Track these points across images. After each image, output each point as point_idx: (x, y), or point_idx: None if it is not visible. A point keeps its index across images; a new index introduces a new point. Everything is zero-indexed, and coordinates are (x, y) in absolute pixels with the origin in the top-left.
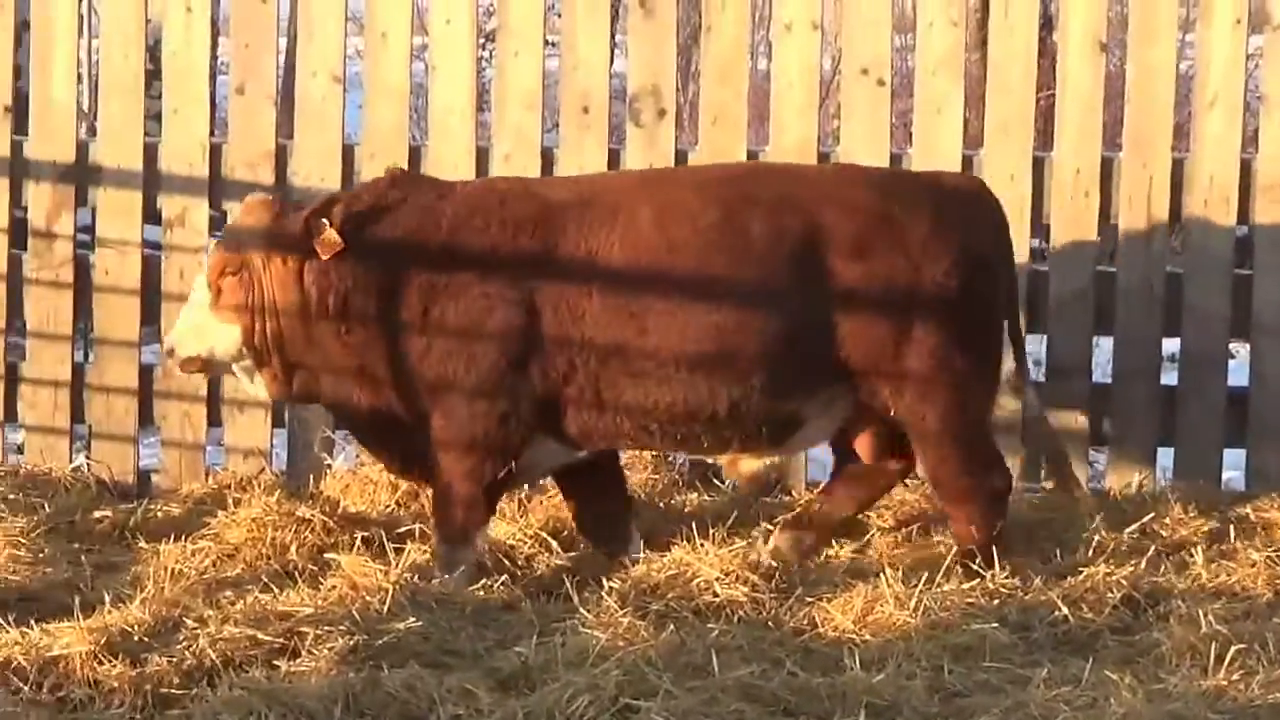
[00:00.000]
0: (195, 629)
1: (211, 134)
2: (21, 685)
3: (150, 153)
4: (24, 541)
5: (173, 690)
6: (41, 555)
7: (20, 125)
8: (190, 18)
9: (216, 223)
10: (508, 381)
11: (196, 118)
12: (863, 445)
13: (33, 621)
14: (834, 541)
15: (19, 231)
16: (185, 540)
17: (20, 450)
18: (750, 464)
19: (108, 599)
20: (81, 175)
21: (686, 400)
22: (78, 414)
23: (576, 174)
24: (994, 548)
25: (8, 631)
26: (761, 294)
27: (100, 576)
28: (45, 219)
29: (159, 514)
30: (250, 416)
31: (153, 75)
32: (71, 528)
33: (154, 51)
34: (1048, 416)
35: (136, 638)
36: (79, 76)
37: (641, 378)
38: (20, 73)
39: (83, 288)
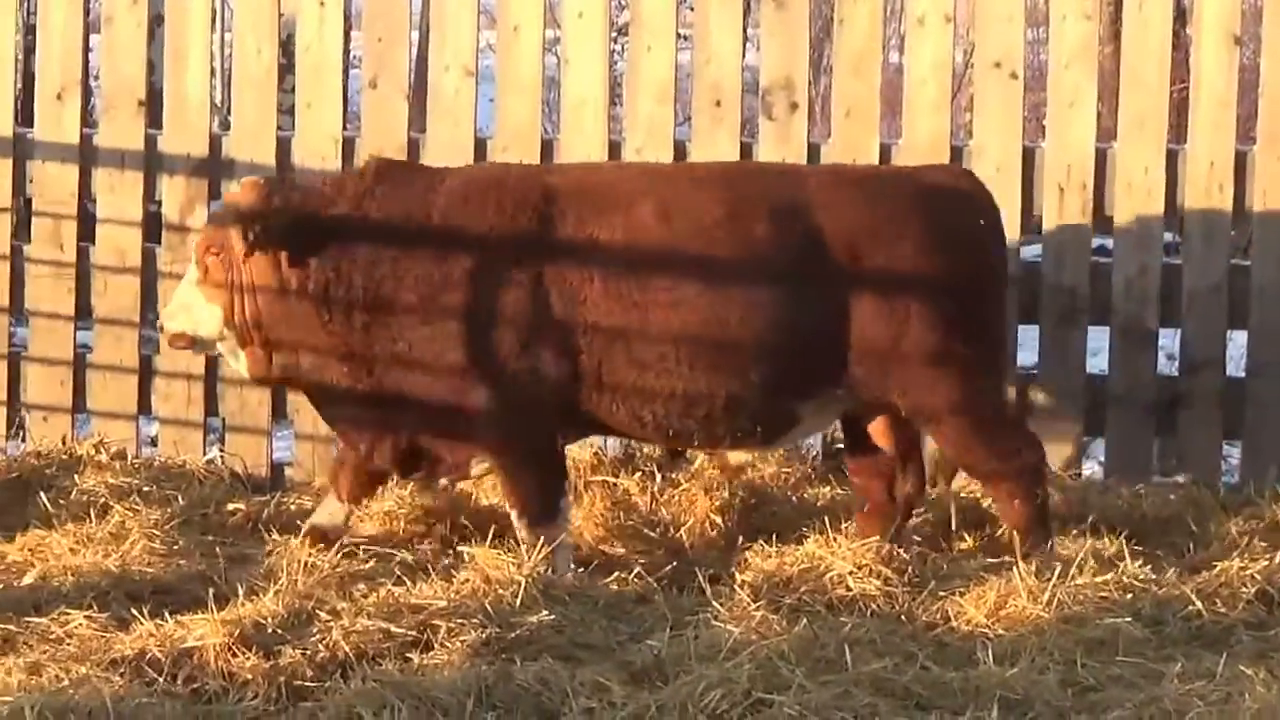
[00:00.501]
0: (328, 621)
1: (344, 128)
2: (156, 677)
3: (283, 147)
4: (158, 534)
5: (306, 682)
6: (176, 547)
7: (154, 120)
8: (323, 11)
9: None
10: (516, 365)
11: (329, 112)
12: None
13: (167, 613)
14: (964, 535)
15: (153, 225)
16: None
17: (154, 442)
18: (739, 456)
19: (241, 591)
20: (215, 169)
21: (684, 393)
22: (212, 407)
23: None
24: (1046, 520)
25: (143, 623)
26: (759, 293)
27: (234, 569)
28: (179, 213)
29: (292, 506)
30: None
31: (285, 69)
32: (205, 520)
33: (286, 46)
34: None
35: (270, 630)
36: (212, 71)
37: (640, 368)
38: (154, 67)
39: None
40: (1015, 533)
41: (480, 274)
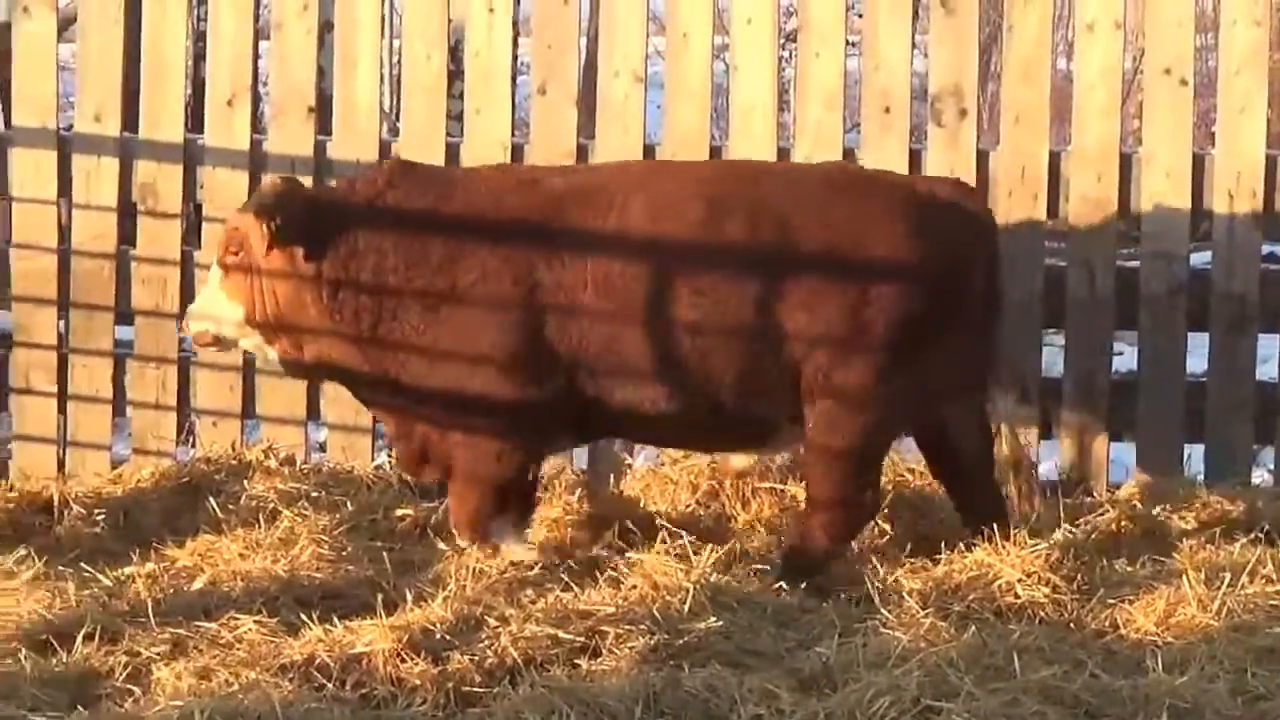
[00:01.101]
0: (497, 627)
1: (512, 134)
2: (325, 682)
3: (451, 153)
4: (327, 539)
5: (474, 688)
6: (344, 553)
7: (323, 125)
8: (493, 18)
9: None
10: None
11: (498, 118)
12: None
13: (336, 619)
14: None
15: None
16: None
17: (323, 448)
18: (740, 460)
19: (410, 597)
20: None
21: (671, 398)
22: None
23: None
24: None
25: (312, 628)
26: (734, 296)
27: (402, 574)
28: None
29: None
30: None
31: (454, 75)
32: (373, 526)
33: (455, 52)
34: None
35: (439, 636)
36: (380, 77)
37: (632, 373)
38: (323, 73)
39: None
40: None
41: (482, 272)
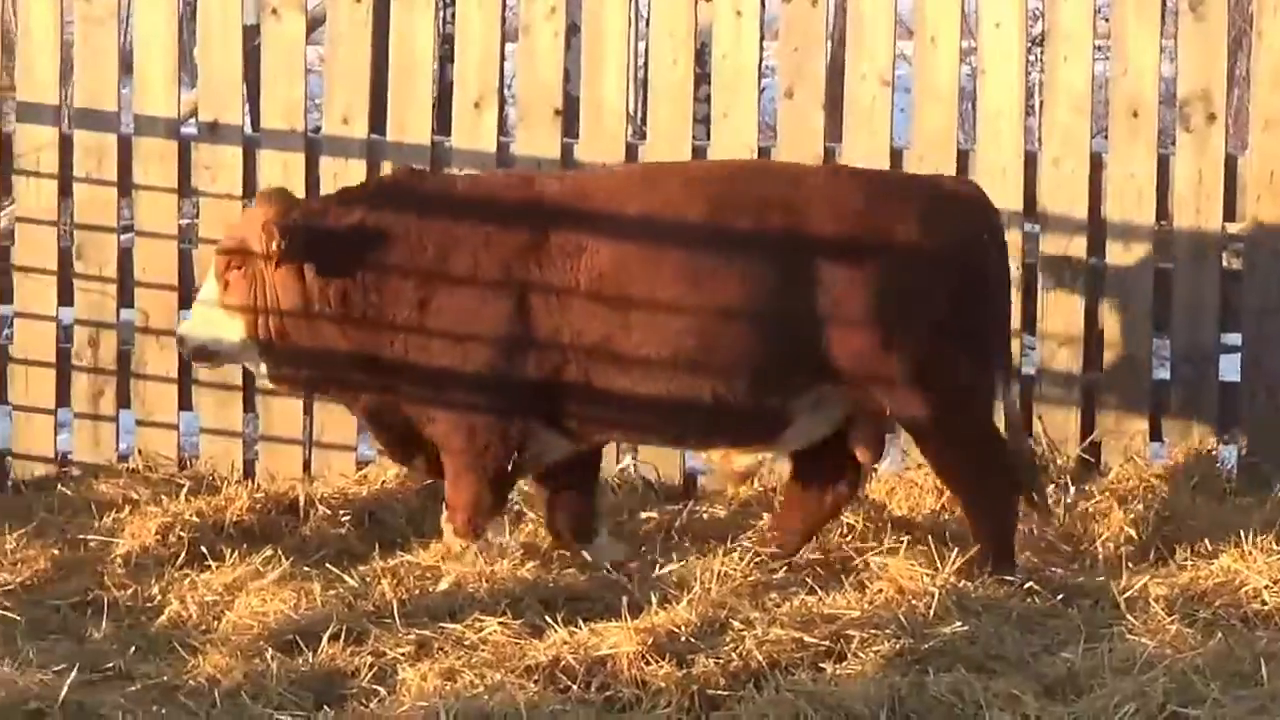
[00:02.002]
0: (742, 631)
1: (758, 137)
2: (570, 684)
3: (697, 156)
4: None
5: (719, 691)
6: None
7: (569, 128)
8: (740, 21)
9: None
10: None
11: (744, 121)
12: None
13: (580, 621)
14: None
15: None
16: (730, 542)
17: None
18: (743, 460)
19: (654, 600)
20: None
21: (672, 394)
22: None
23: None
24: (1005, 543)
25: (556, 631)
26: (744, 293)
27: (647, 577)
28: None
29: (704, 516)
30: None
31: (700, 78)
32: (618, 529)
33: (701, 54)
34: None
35: (683, 638)
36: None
37: (629, 371)
38: (569, 75)
39: None
40: (978, 545)
41: (476, 279)
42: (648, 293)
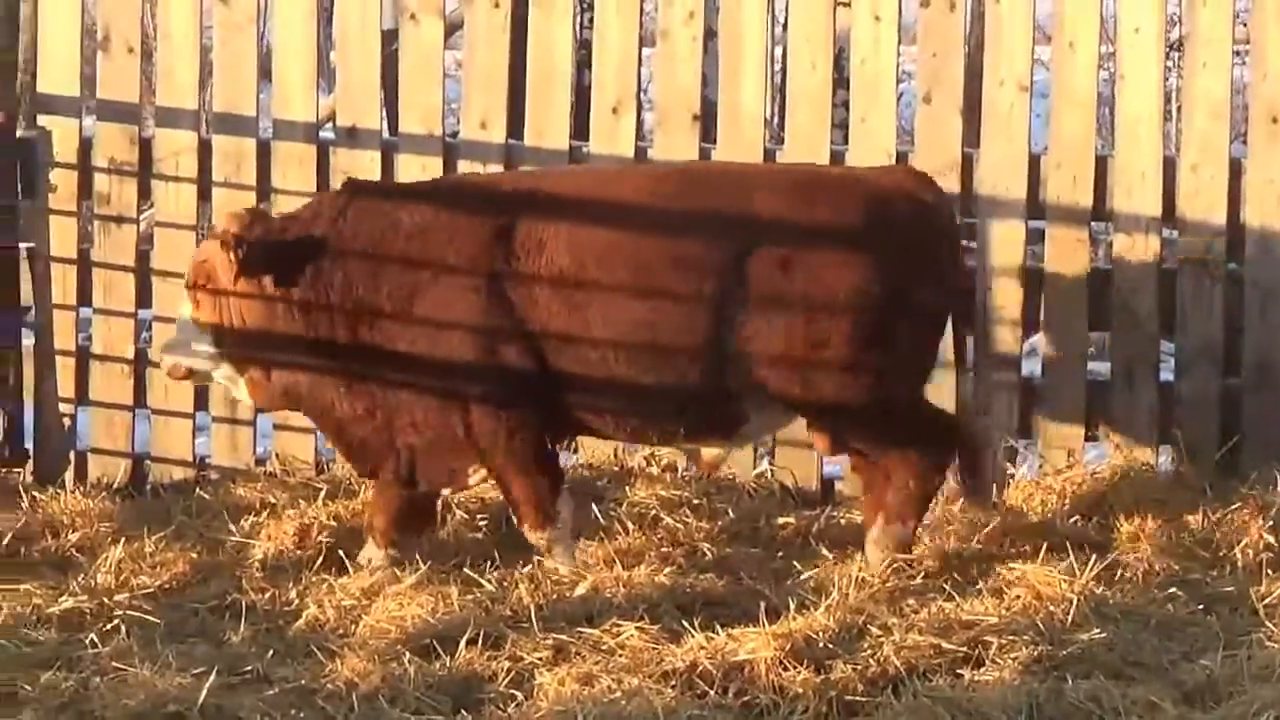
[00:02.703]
0: (880, 636)
1: (896, 142)
2: (707, 689)
3: (836, 161)
4: (709, 546)
5: (857, 697)
6: (726, 561)
7: (706, 133)
8: (878, 26)
9: None
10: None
11: (883, 126)
12: None
13: (718, 626)
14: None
15: None
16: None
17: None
18: (712, 452)
19: (792, 605)
20: None
21: (629, 392)
22: None
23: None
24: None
25: (694, 636)
26: (690, 292)
27: (784, 582)
28: None
29: (842, 521)
30: None
31: (837, 83)
32: (755, 534)
33: (838, 60)
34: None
35: (821, 644)
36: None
37: (589, 370)
38: (707, 81)
39: None
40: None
41: (442, 283)
42: (600, 293)
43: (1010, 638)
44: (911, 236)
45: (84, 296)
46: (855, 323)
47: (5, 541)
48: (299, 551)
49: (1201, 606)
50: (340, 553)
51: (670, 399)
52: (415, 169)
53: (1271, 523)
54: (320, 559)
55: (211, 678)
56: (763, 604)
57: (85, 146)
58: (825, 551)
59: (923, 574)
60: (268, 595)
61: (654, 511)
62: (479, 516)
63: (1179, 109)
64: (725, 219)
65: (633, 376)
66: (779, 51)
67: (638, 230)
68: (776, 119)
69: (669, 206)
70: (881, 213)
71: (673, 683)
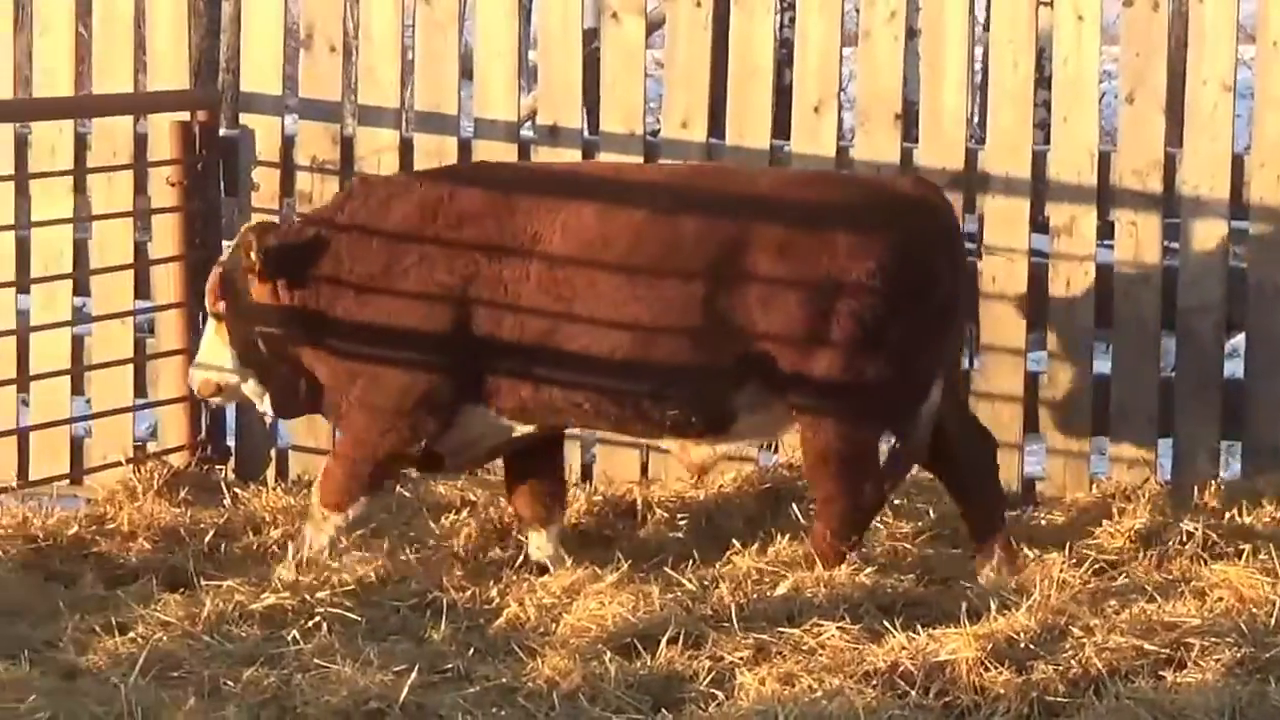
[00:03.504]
0: (1081, 638)
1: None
2: (908, 689)
3: (1038, 161)
4: (909, 547)
5: (1058, 698)
6: (925, 561)
7: (908, 132)
8: (1081, 25)
9: (1103, 231)
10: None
11: (1085, 126)
12: None
13: (919, 626)
14: None
15: None
16: (1069, 548)
17: None
18: (700, 452)
19: (993, 606)
20: (970, 183)
21: (612, 383)
22: None
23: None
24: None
25: (894, 636)
26: (682, 289)
27: (984, 583)
28: None
29: (1043, 521)
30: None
31: (1038, 83)
32: (956, 534)
33: (1039, 59)
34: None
35: (1022, 645)
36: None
37: (571, 359)
38: (906, 80)
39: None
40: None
41: (429, 274)
42: (593, 288)
43: (1213, 640)
44: (912, 233)
45: None
46: (853, 314)
47: (208, 538)
48: (499, 550)
49: None
50: None
51: (658, 387)
52: None
53: None
54: (520, 557)
55: (413, 675)
56: (964, 604)
57: (287, 145)
58: (1026, 551)
59: (1124, 576)
60: (468, 593)
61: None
62: (679, 516)
63: None
64: (724, 204)
65: (620, 363)
66: (978, 51)
67: (636, 213)
68: (977, 118)
69: (668, 190)
70: (879, 205)
71: (874, 683)
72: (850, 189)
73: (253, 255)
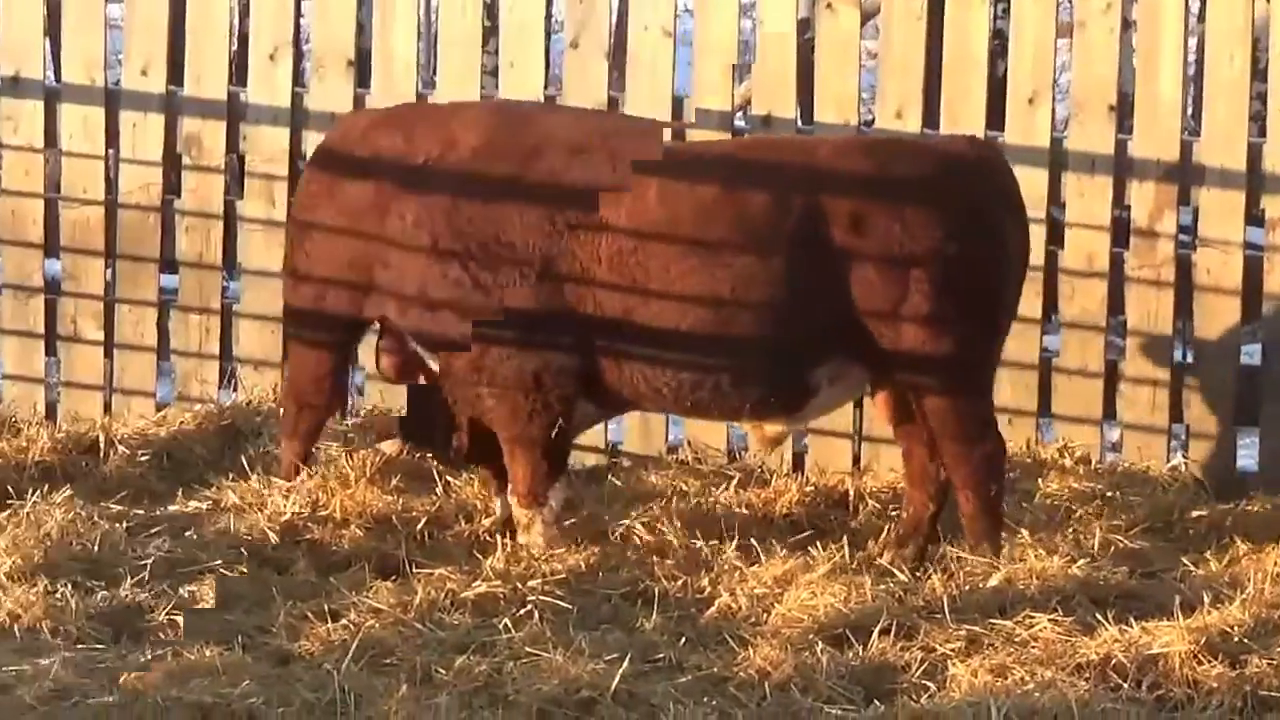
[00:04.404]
0: None
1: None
2: (1121, 682)
3: (1253, 153)
4: (1122, 540)
5: (1273, 693)
6: (1140, 553)
7: (1123, 124)
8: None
9: None
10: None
11: None
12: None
13: (1132, 619)
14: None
15: (1121, 229)
16: None
17: (1116, 448)
18: (774, 428)
19: (1206, 599)
20: (1184, 175)
21: (690, 365)
22: (1176, 412)
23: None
24: (995, 516)
25: (1108, 628)
26: (758, 265)
27: (1198, 576)
28: (1148, 217)
29: (1258, 514)
30: None
31: (1253, 75)
32: (1168, 527)
33: (1254, 50)
34: None
35: (1236, 639)
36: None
37: (648, 340)
38: (1120, 71)
39: (1183, 287)
40: (965, 522)
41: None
42: (663, 262)
43: None
44: (977, 197)
45: None
46: (930, 278)
47: (420, 525)
48: (710, 540)
49: None
50: (752, 540)
51: (733, 374)
52: None
53: None
54: (732, 547)
55: (624, 664)
56: (1177, 598)
57: None
58: (1240, 544)
59: None
60: (679, 583)
61: (1066, 504)
62: (891, 507)
63: None
64: (794, 176)
65: (694, 351)
66: (1193, 43)
67: (706, 189)
68: (1191, 110)
69: (741, 164)
70: (944, 171)
71: (1086, 675)
72: (913, 156)
73: None
